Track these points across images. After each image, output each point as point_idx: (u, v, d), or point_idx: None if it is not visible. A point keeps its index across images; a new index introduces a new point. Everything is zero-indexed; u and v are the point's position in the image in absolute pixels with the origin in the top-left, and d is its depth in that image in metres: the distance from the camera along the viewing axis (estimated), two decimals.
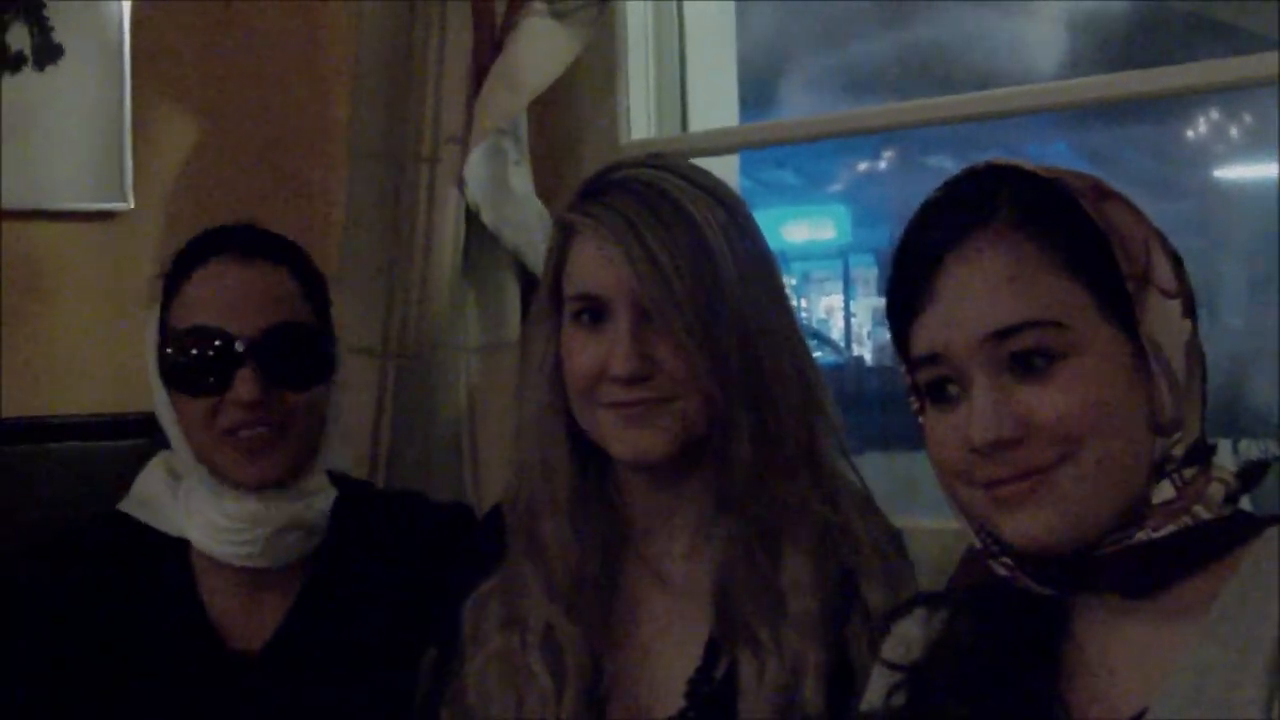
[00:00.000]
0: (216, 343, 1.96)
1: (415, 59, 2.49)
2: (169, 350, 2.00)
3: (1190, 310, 1.39)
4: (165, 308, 2.03)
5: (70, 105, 2.56)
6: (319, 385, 2.04)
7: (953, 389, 1.38)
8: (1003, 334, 1.34)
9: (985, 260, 1.36)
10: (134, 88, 2.60)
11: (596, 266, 1.76)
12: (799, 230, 11.23)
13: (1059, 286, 1.35)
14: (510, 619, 1.84)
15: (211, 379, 1.97)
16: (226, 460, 1.99)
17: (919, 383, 1.42)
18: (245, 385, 1.95)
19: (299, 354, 2.01)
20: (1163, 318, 1.36)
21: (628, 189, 1.77)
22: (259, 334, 1.97)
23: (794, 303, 1.87)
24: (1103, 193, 1.39)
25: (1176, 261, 1.40)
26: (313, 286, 2.07)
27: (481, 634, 1.86)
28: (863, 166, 9.74)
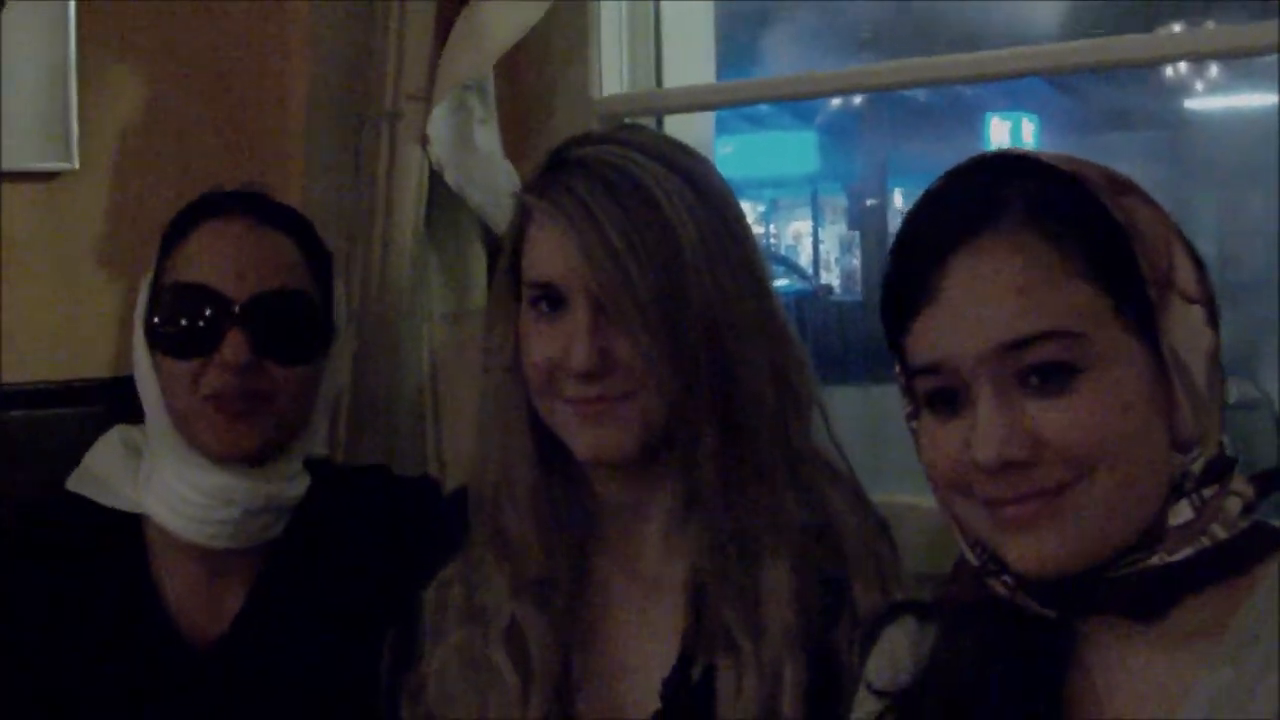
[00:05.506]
0: (209, 302, 1.92)
1: (376, 10, 2.40)
2: (158, 309, 1.95)
3: (1213, 318, 1.29)
4: (159, 267, 1.98)
5: (13, 60, 2.46)
6: (310, 362, 1.98)
7: (954, 397, 1.28)
8: (1015, 346, 1.24)
9: (996, 263, 1.25)
10: (80, 41, 2.51)
11: (552, 254, 1.67)
12: (768, 157, 11.26)
13: (1077, 292, 1.24)
14: (472, 611, 1.77)
15: (200, 340, 1.92)
16: (203, 427, 1.93)
17: (916, 390, 1.31)
18: (233, 348, 1.90)
19: (294, 324, 1.96)
20: (1186, 326, 1.26)
21: (588, 168, 1.67)
22: (254, 297, 1.92)
23: (772, 285, 1.79)
24: (1120, 186, 1.29)
25: (1198, 264, 1.30)
26: (318, 262, 2.01)
27: (443, 624, 1.79)
28: (836, 99, 9.72)
